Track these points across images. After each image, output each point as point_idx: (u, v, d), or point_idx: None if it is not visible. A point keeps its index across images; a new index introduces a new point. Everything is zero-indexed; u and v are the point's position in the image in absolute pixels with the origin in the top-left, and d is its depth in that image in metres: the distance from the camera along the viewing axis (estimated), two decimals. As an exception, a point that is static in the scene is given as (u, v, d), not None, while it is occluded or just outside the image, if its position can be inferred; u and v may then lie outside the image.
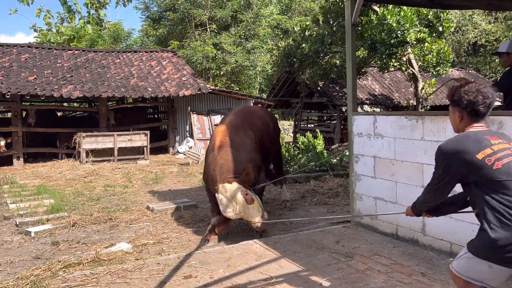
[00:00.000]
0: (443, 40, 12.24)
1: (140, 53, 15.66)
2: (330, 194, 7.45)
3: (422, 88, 13.29)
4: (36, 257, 4.76)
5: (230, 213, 4.75)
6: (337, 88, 16.14)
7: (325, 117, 19.87)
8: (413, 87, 14.00)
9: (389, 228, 4.72)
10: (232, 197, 4.71)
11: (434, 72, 13.61)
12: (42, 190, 8.44)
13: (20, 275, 4.07)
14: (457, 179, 2.32)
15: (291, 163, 9.81)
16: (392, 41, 10.64)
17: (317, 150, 9.53)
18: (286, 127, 25.79)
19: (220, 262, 4.11)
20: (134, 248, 4.92)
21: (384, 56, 11.24)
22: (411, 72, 13.13)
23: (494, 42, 26.85)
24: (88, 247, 5.02)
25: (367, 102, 15.99)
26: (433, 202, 2.52)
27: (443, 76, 14.62)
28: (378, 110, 15.91)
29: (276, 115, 28.32)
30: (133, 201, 7.67)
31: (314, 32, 12.91)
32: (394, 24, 10.38)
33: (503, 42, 5.25)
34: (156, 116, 17.89)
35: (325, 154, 9.88)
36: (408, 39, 10.60)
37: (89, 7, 28.72)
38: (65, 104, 18.13)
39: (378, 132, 4.79)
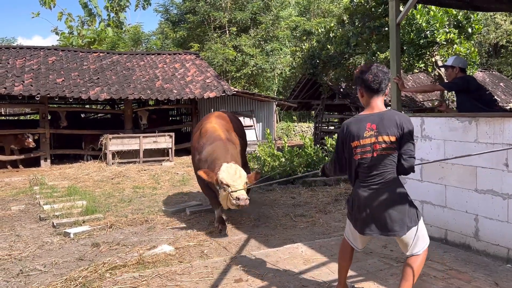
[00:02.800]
0: (472, 41, 12.02)
1: (164, 56, 15.73)
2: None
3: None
4: (79, 258, 4.76)
5: (228, 178, 5.06)
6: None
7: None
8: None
9: (437, 233, 4.60)
10: (238, 169, 5.18)
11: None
12: (73, 191, 8.49)
13: (67, 276, 4.07)
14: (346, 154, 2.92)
15: (318, 167, 9.72)
16: (421, 41, 10.49)
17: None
18: (304, 129, 25.69)
19: (268, 266, 4.05)
20: (176, 250, 4.89)
21: (411, 57, 11.09)
22: (437, 73, 12.93)
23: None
24: (129, 249, 5.00)
25: (391, 104, 15.78)
26: (334, 171, 3.09)
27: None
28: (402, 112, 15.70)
29: (294, 117, 28.23)
30: (165, 202, 7.66)
31: (339, 33, 12.83)
32: (424, 24, 10.23)
33: (449, 57, 6.04)
34: (178, 118, 17.95)
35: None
36: (438, 40, 10.43)
37: (109, 10, 29.04)
38: (88, 106, 18.30)
39: (425, 134, 4.68)
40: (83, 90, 12.08)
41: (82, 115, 17.92)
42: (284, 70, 24.27)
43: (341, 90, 15.53)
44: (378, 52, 11.05)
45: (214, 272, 3.95)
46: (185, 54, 16.34)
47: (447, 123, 4.41)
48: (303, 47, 13.67)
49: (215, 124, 6.11)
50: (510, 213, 3.82)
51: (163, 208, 6.98)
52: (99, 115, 18.97)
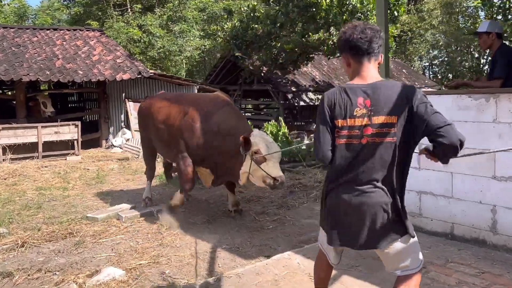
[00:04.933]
0: (397, 24, 12.10)
1: (62, 31, 13.46)
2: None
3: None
4: (-16, 301, 3.32)
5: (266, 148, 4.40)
6: (280, 74, 15.44)
7: (262, 106, 19.17)
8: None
9: (441, 227, 4.04)
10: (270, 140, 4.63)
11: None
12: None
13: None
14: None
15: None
16: (354, 23, 10.17)
17: (288, 140, 8.70)
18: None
19: (268, 289, 3.10)
20: (128, 274, 3.68)
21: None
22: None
23: (409, 33, 28.12)
24: (59, 277, 3.66)
25: (311, 89, 15.56)
26: (319, 152, 2.14)
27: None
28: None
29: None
30: (86, 207, 6.20)
31: (262, 12, 12.04)
32: (359, 5, 9.89)
33: (483, 21, 4.91)
34: (80, 105, 15.75)
35: (293, 143, 9.11)
36: (370, 21, 10.19)
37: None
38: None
39: (425, 115, 4.06)
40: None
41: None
42: (193, 53, 22.93)
43: (262, 75, 14.82)
44: (310, 33, 10.49)
45: (200, 307, 2.89)
46: (87, 30, 14.19)
47: (455, 101, 3.83)
48: (225, 27, 12.61)
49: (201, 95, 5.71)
50: (540, 203, 3.35)
51: (88, 215, 5.54)
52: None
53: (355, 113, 2.03)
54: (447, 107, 3.88)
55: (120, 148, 12.01)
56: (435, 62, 28.61)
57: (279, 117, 15.40)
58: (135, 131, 12.33)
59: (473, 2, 20.15)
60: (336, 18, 10.20)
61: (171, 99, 5.57)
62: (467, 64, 24.13)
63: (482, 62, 23.34)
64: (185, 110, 5.09)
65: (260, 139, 4.43)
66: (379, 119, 2.00)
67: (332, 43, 10.93)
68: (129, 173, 9.42)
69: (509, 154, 3.49)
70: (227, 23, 12.48)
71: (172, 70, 23.16)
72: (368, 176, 2.03)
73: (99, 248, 4.45)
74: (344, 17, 10.09)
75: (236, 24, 12.53)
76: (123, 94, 12.65)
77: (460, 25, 23.90)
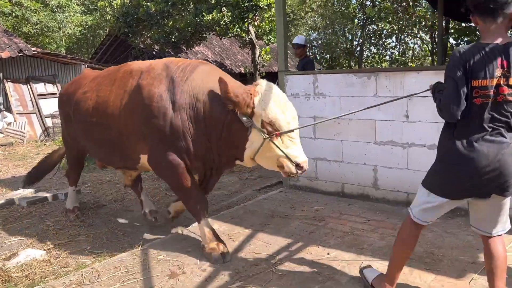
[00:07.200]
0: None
1: None
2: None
3: (259, 55, 13.74)
4: None
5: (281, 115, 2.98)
6: (173, 53, 15.36)
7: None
8: (251, 54, 14.42)
9: (334, 187, 4.74)
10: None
11: (266, 40, 14.29)
12: None
13: None
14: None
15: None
16: (246, 4, 10.61)
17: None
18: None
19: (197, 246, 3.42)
20: (50, 254, 3.68)
21: (235, 20, 11.15)
22: (247, 39, 13.42)
23: (291, 14, 29.64)
24: (-29, 265, 3.52)
25: (278, 64, 15.74)
26: (451, 108, 2.12)
27: (274, 44, 15.44)
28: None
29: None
30: (-22, 195, 5.78)
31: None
32: (251, -13, 10.34)
33: (298, 36, 7.03)
34: None
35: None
36: (260, 4, 10.73)
37: None
38: None
39: (319, 92, 4.67)
40: None
41: None
42: (75, 30, 21.41)
43: (154, 53, 14.62)
44: (203, 13, 10.68)
45: (136, 273, 3.09)
46: None
47: (343, 79, 4.48)
48: (113, 3, 12.10)
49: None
50: (409, 161, 4.16)
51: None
52: None
53: (495, 73, 2.04)
54: (336, 84, 4.53)
55: (1, 132, 11.01)
56: (314, 43, 30.67)
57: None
58: (17, 114, 11.38)
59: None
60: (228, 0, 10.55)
61: (104, 76, 3.90)
62: (342, 46, 26.32)
63: (354, 44, 25.70)
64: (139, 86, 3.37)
65: (274, 101, 3.00)
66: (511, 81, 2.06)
67: (224, 23, 11.27)
68: (17, 158, 8.84)
69: (389, 122, 4.24)
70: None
71: (51, 48, 21.38)
72: (500, 132, 2.10)
73: (7, 233, 4.30)
74: (236, -2, 10.47)
75: (126, 0, 12.13)
76: (1, 74, 11.50)
77: (335, 9, 25.88)
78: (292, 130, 2.99)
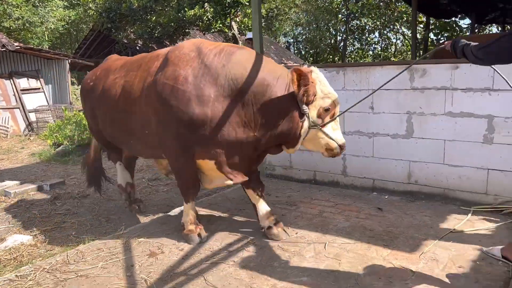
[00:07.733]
0: (265, 4, 13.06)
1: None
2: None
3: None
4: None
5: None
6: (156, 48, 15.51)
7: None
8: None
9: (306, 175, 5.03)
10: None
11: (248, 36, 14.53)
12: None
13: None
14: None
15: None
16: (228, 0, 10.83)
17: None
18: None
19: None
20: (36, 239, 3.90)
21: (218, 16, 11.36)
22: (230, 34, 13.65)
23: (275, 10, 29.89)
24: (-39, 250, 3.72)
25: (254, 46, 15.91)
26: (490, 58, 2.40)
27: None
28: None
29: (73, 79, 25.47)
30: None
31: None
32: (231, -16, 10.56)
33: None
34: None
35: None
36: (242, 0, 10.95)
37: None
38: None
39: (292, 85, 4.94)
40: None
41: None
42: (57, 25, 21.33)
43: (137, 48, 14.75)
44: (186, 8, 10.87)
45: (117, 253, 3.34)
46: None
47: (314, 73, 4.74)
48: (96, -2, 12.23)
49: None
50: (375, 149, 4.47)
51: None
52: None
53: None
54: (308, 78, 4.80)
55: (-16, 128, 11.06)
56: (299, 39, 30.94)
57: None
58: (0, 109, 11.45)
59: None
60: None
61: (132, 62, 3.75)
62: (326, 41, 26.67)
63: (338, 39, 26.07)
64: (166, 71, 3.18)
65: (329, 87, 3.18)
66: None
67: (207, 18, 11.47)
68: (1, 152, 8.96)
69: (356, 114, 4.54)
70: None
71: (33, 43, 21.27)
72: None
73: (-5, 222, 4.50)
74: (218, -6, 10.68)
75: (109, -4, 12.25)
76: (-17, 70, 11.54)
77: (319, 4, 26.20)
78: (340, 114, 3.28)
